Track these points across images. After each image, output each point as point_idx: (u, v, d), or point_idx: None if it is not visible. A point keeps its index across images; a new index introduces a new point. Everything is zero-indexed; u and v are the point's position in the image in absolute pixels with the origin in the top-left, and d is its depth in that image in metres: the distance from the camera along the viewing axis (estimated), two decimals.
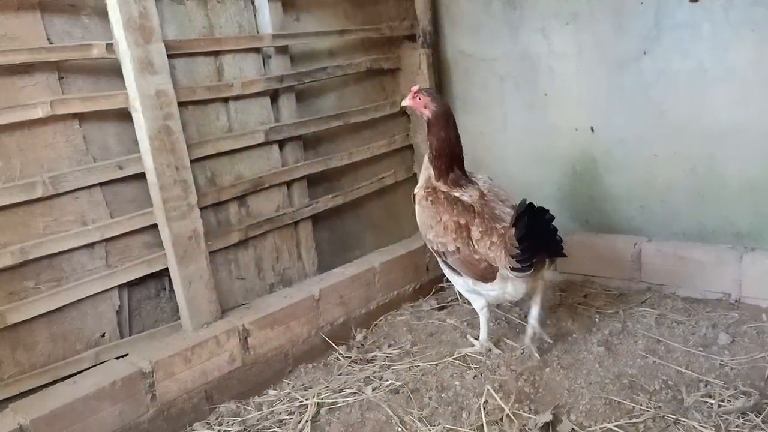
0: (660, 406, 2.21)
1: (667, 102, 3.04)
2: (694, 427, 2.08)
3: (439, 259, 2.69)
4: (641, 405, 2.23)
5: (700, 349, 2.56)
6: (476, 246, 2.46)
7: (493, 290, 2.51)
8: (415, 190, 2.75)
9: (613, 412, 2.21)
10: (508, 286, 2.48)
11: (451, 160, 2.63)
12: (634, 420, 2.15)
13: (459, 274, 2.58)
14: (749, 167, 2.88)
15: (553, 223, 2.32)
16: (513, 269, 2.35)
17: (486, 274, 2.46)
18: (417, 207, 2.70)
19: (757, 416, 2.10)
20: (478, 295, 2.65)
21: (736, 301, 2.86)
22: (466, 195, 2.59)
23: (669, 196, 3.15)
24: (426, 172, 2.71)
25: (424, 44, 3.54)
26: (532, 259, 2.31)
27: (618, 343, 2.67)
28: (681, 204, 3.12)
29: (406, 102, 2.70)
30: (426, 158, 2.71)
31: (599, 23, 3.15)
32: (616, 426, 2.13)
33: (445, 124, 2.62)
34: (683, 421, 2.12)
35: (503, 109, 3.62)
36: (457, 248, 2.50)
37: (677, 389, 2.31)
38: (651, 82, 3.06)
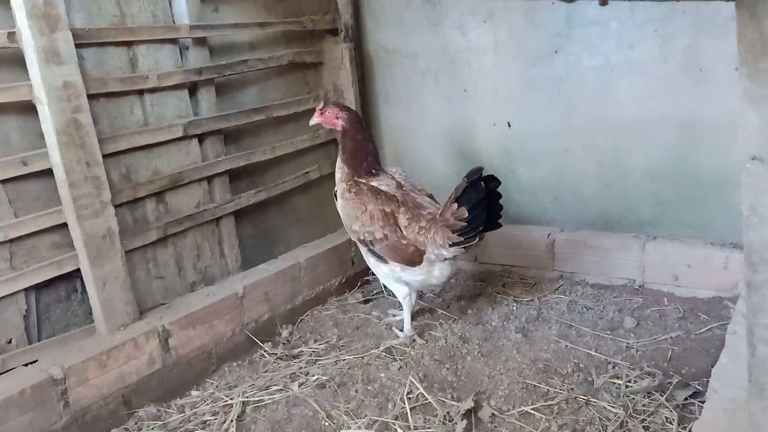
0: (572, 388, 2.34)
1: (577, 97, 3.20)
2: (605, 407, 2.22)
3: (364, 250, 2.76)
4: (555, 388, 2.35)
5: (608, 332, 2.73)
6: (404, 232, 2.60)
7: (419, 275, 2.65)
8: (336, 187, 2.81)
9: (530, 396, 2.32)
10: (435, 270, 2.64)
11: (367, 156, 2.78)
12: (549, 402, 2.27)
13: (385, 261, 2.67)
14: (651, 158, 3.08)
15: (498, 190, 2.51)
16: (454, 245, 2.49)
17: (413, 258, 2.60)
18: (340, 201, 2.77)
19: (661, 395, 2.25)
20: (402, 284, 2.74)
21: (640, 286, 3.07)
22: (384, 185, 2.72)
23: (579, 187, 3.33)
24: (341, 170, 2.80)
25: (346, 38, 3.54)
26: (478, 228, 2.47)
27: (534, 330, 2.80)
28: (589, 195, 3.31)
29: (315, 120, 2.81)
30: (339, 159, 2.81)
31: (514, 20, 3.26)
32: (532, 409, 2.24)
33: (360, 127, 2.79)
34: (594, 401, 2.25)
35: (424, 103, 3.68)
36: (385, 235, 2.61)
37: (588, 371, 2.45)
38: (562, 78, 3.22)
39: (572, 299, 3.04)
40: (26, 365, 2.27)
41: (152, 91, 2.68)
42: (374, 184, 2.72)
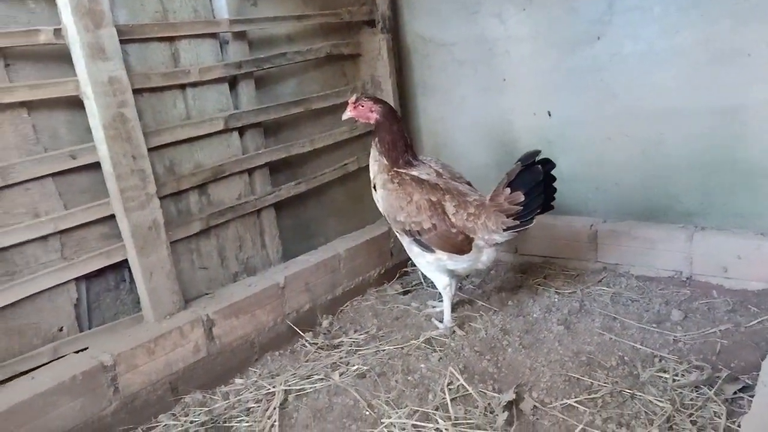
0: (617, 382, 2.29)
1: (619, 84, 3.12)
2: (651, 401, 2.17)
3: (407, 240, 2.73)
4: (599, 381, 2.31)
5: (654, 325, 2.66)
6: (453, 220, 2.57)
7: (466, 262, 2.65)
8: (374, 179, 2.78)
9: (573, 389, 2.29)
10: (483, 256, 2.65)
11: (404, 146, 2.75)
12: (592, 395, 2.23)
13: (432, 251, 2.65)
14: (696, 146, 2.98)
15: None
16: (508, 229, 2.50)
17: (463, 245, 2.60)
18: (381, 192, 2.73)
19: (710, 389, 2.19)
20: (444, 274, 2.73)
21: (687, 278, 2.98)
22: (424, 174, 2.70)
23: (622, 177, 3.25)
24: (377, 163, 2.77)
25: (383, 29, 3.53)
26: (535, 212, 2.48)
27: (576, 322, 2.76)
28: (633, 184, 3.22)
29: (348, 114, 2.77)
30: (374, 152, 2.77)
31: (554, 7, 3.20)
32: (575, 402, 2.20)
33: (394, 118, 2.75)
34: (640, 395, 2.21)
35: (461, 93, 3.65)
36: (434, 225, 2.59)
37: (633, 365, 2.40)
38: (604, 65, 3.14)
39: (616, 291, 2.98)
40: (77, 352, 2.35)
41: (194, 85, 2.73)
42: (415, 173, 2.70)
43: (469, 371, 2.44)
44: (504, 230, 2.52)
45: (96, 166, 2.39)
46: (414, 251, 2.75)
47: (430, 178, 2.69)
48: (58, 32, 2.23)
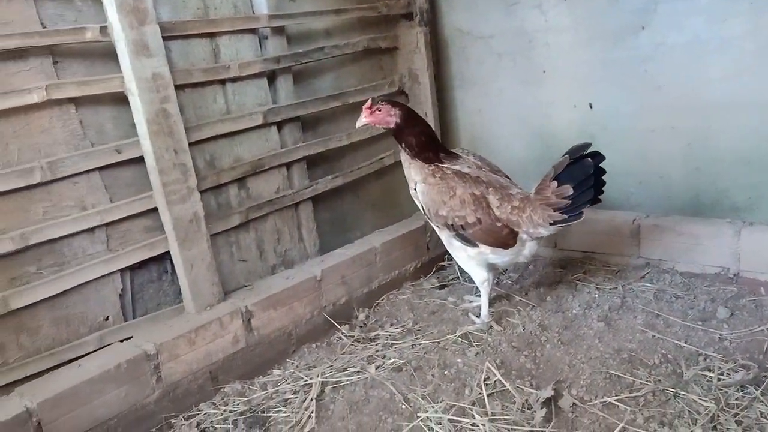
0: (660, 380, 2.24)
1: (664, 76, 3.03)
2: (694, 401, 2.11)
3: (447, 234, 2.70)
4: (641, 379, 2.25)
5: (699, 323, 2.59)
6: (497, 213, 2.54)
7: (508, 255, 2.63)
8: (413, 178, 2.70)
9: (614, 387, 2.24)
10: (525, 249, 2.63)
11: (434, 145, 2.71)
12: (634, 394, 2.18)
13: (475, 245, 2.62)
14: (744, 140, 2.87)
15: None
16: (555, 223, 2.46)
17: (507, 239, 2.57)
18: (422, 186, 2.66)
19: (756, 389, 2.12)
20: (483, 268, 2.71)
21: (734, 275, 2.88)
22: (465, 167, 2.67)
23: (666, 170, 3.15)
24: (412, 165, 2.68)
25: (421, 22, 3.51)
26: (584, 206, 2.42)
27: (618, 319, 2.70)
28: (678, 178, 3.13)
29: (364, 121, 2.63)
30: (404, 156, 2.70)
31: None
32: (616, 400, 2.16)
33: (416, 118, 2.68)
34: (683, 394, 2.15)
35: (499, 86, 3.60)
36: (478, 219, 2.56)
37: (677, 363, 2.34)
38: (647, 56, 3.05)
39: (660, 288, 2.90)
40: (122, 341, 2.42)
41: (233, 80, 2.77)
42: (456, 167, 2.65)
43: (507, 367, 2.42)
44: (550, 224, 2.48)
45: (140, 160, 2.45)
46: (455, 245, 2.72)
47: (471, 171, 2.65)
48: (104, 30, 2.29)
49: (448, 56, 3.76)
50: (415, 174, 2.68)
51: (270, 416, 2.31)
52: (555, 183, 2.43)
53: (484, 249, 2.62)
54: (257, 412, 2.33)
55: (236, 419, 2.28)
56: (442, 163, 2.67)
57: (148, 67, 2.35)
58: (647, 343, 2.48)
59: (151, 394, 2.31)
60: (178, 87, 2.48)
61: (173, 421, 2.34)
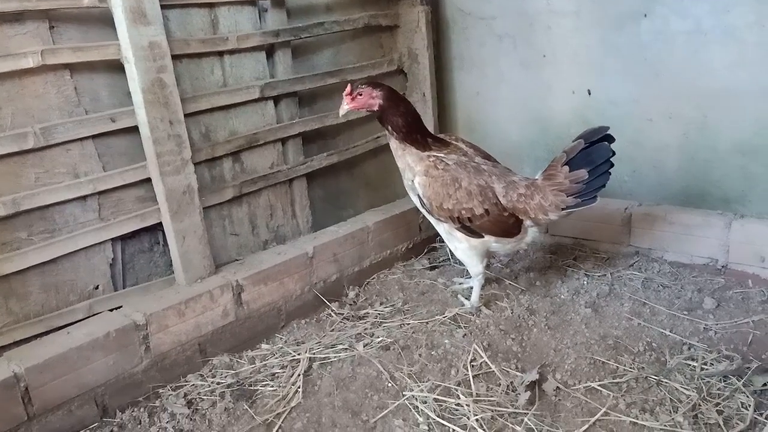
0: (643, 367, 2.27)
1: (664, 64, 3.02)
2: (676, 389, 2.14)
3: (448, 227, 2.62)
4: (625, 366, 2.29)
5: (685, 312, 2.62)
6: (503, 202, 2.52)
7: (511, 243, 2.62)
8: (410, 168, 2.58)
9: (597, 372, 2.27)
10: (528, 236, 2.62)
11: (420, 126, 2.60)
12: (617, 380, 2.21)
13: (480, 236, 2.58)
14: (741, 131, 2.88)
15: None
16: (567, 208, 2.47)
17: (513, 228, 2.56)
18: (423, 179, 2.53)
19: (738, 380, 2.15)
20: (482, 258, 2.68)
21: (722, 266, 2.91)
22: (462, 156, 2.62)
23: (661, 160, 3.16)
24: (405, 152, 2.57)
25: (422, 1, 3.47)
26: (599, 189, 2.43)
27: (605, 305, 2.73)
28: (672, 168, 3.14)
29: (346, 108, 2.51)
30: (394, 142, 2.58)
31: None
32: (599, 385, 2.19)
33: (399, 98, 2.58)
34: (666, 382, 2.18)
35: (499, 68, 3.58)
36: (486, 210, 2.51)
37: (661, 351, 2.37)
38: (648, 43, 3.04)
39: (648, 276, 2.93)
40: (111, 310, 2.42)
41: (231, 52, 2.74)
42: (454, 156, 2.57)
43: (493, 349, 2.45)
44: (563, 209, 2.48)
45: (134, 129, 2.43)
46: (456, 236, 2.64)
47: (468, 159, 2.60)
48: None
49: (448, 37, 3.73)
50: (414, 164, 2.56)
51: (257, 390, 2.33)
52: (567, 168, 2.42)
53: (488, 239, 2.59)
54: (244, 385, 2.35)
55: (223, 391, 2.30)
56: (431, 148, 2.57)
57: (145, 35, 2.32)
58: (633, 331, 2.52)
59: (139, 363, 2.33)
60: (175, 57, 2.46)
61: (161, 391, 2.35)
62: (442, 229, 2.69)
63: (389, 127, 2.55)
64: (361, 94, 2.49)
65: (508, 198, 2.52)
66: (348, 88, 2.50)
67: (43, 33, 2.22)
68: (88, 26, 2.33)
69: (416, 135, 2.57)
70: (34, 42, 2.20)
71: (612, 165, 2.43)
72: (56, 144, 2.28)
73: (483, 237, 2.58)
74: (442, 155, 2.57)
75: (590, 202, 2.46)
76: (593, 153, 2.40)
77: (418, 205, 2.66)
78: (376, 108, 2.52)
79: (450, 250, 3.01)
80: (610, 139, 2.42)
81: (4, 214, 2.17)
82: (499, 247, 2.65)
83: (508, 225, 2.55)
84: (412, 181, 2.58)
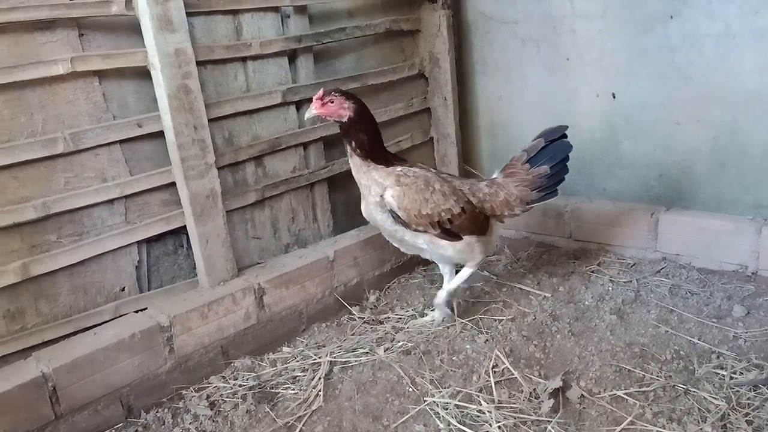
0: (671, 376, 2.22)
1: (692, 67, 2.97)
2: (705, 398, 2.09)
3: (428, 236, 2.53)
4: (652, 374, 2.24)
5: (714, 320, 2.56)
6: (474, 201, 2.58)
7: (486, 242, 2.63)
8: (377, 185, 2.49)
9: (623, 380, 2.23)
10: (494, 234, 2.70)
11: (382, 146, 2.56)
12: (644, 388, 2.17)
13: (460, 238, 2.56)
14: None
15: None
16: (531, 202, 2.63)
17: (484, 225, 2.61)
18: (396, 190, 2.45)
19: None
20: (479, 253, 2.63)
21: (753, 273, 2.84)
22: (422, 170, 2.56)
23: (689, 164, 3.10)
24: (370, 173, 2.48)
25: (444, 5, 3.47)
26: (559, 183, 2.64)
27: (631, 312, 2.68)
28: (701, 173, 3.07)
29: (313, 112, 2.41)
30: (356, 159, 2.49)
31: None
32: (625, 393, 2.15)
33: (369, 115, 2.49)
34: (694, 391, 2.13)
35: (522, 72, 3.56)
36: (462, 209, 2.53)
37: (689, 360, 2.32)
38: (676, 46, 2.99)
39: (675, 283, 2.86)
40: (137, 312, 2.46)
41: (254, 58, 2.77)
42: (417, 168, 2.53)
43: (516, 355, 2.42)
44: (527, 203, 2.62)
45: (160, 134, 2.47)
46: (440, 245, 2.55)
47: (430, 170, 2.58)
48: (129, 4, 2.31)
49: (470, 41, 3.72)
50: (382, 179, 2.47)
51: (278, 392, 2.35)
52: (528, 165, 2.61)
53: (469, 239, 2.57)
54: (266, 388, 2.36)
55: (245, 394, 2.32)
56: (394, 164, 2.52)
57: (171, 42, 2.36)
58: (660, 338, 2.46)
59: (164, 364, 2.36)
60: (199, 63, 2.49)
61: (184, 392, 2.38)
62: (422, 241, 2.57)
63: (354, 143, 2.46)
64: (332, 102, 2.40)
65: (477, 197, 2.58)
66: (320, 92, 2.42)
67: (72, 41, 2.27)
68: (116, 34, 2.38)
69: (379, 152, 2.53)
70: (64, 49, 2.25)
71: (569, 160, 2.64)
72: (85, 149, 2.33)
73: (462, 239, 2.57)
74: (407, 167, 2.54)
75: (552, 196, 2.65)
76: (554, 150, 2.60)
77: (388, 224, 2.54)
78: (345, 119, 2.42)
79: (438, 263, 2.82)
80: (566, 135, 2.64)
81: (35, 217, 2.22)
82: (481, 247, 2.61)
83: (480, 222, 2.58)
84: (381, 196, 2.48)
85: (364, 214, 2.68)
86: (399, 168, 2.52)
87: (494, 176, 2.69)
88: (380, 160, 2.50)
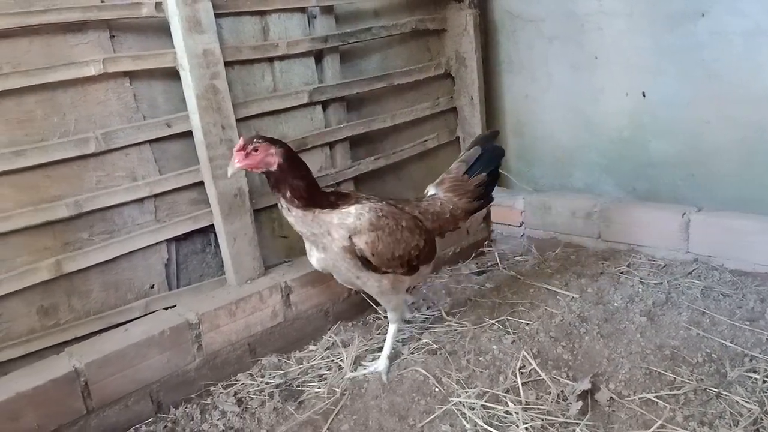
0: (702, 379, 2.18)
1: (721, 65, 2.91)
2: (737, 402, 2.05)
3: (391, 278, 2.31)
4: (683, 377, 2.20)
5: (747, 323, 2.50)
6: (429, 226, 2.40)
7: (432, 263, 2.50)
8: (338, 231, 2.19)
9: (653, 383, 2.19)
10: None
11: (318, 187, 2.24)
12: (674, 391, 2.13)
13: (417, 269, 2.38)
14: None
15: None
16: (474, 211, 2.55)
17: (434, 245, 2.45)
18: (369, 236, 2.18)
19: None
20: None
21: None
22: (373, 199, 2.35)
23: (719, 164, 3.04)
24: (318, 219, 2.18)
25: (470, 4, 3.45)
26: (492, 188, 2.61)
27: (661, 314, 2.63)
28: (731, 172, 3.01)
29: (237, 166, 2.09)
30: (301, 213, 2.16)
31: None
32: (655, 396, 2.12)
33: (299, 158, 2.20)
34: (725, 395, 2.09)
35: (549, 71, 3.53)
36: (425, 240, 2.35)
37: (721, 363, 2.27)
38: (704, 44, 2.93)
39: (707, 285, 2.81)
40: (166, 309, 2.50)
41: (281, 58, 2.79)
42: (374, 201, 2.29)
43: (543, 356, 2.40)
44: (470, 214, 2.55)
45: (188, 134, 2.50)
46: (405, 280, 2.36)
47: (379, 199, 2.35)
48: (158, 6, 2.34)
49: (496, 40, 3.69)
50: (341, 219, 2.18)
51: (304, 390, 2.36)
52: (467, 176, 2.53)
53: (423, 269, 2.42)
54: (292, 386, 2.38)
55: (272, 391, 2.33)
56: (338, 204, 2.22)
57: (200, 43, 2.38)
58: (691, 341, 2.42)
59: (192, 361, 2.39)
60: (227, 63, 2.52)
61: (212, 389, 2.41)
62: (387, 283, 2.31)
63: (288, 193, 2.13)
64: (256, 150, 2.09)
65: (429, 219, 2.40)
66: (240, 143, 2.10)
67: (104, 42, 2.31)
68: (146, 35, 2.42)
69: (319, 196, 2.20)
70: (96, 51, 2.29)
71: (501, 165, 2.65)
72: (116, 148, 2.37)
73: (419, 269, 2.39)
74: (370, 204, 2.26)
75: (490, 202, 2.64)
76: (489, 157, 2.57)
77: (353, 270, 2.25)
78: (274, 167, 2.11)
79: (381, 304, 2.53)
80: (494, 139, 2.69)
81: (68, 215, 2.27)
82: (427, 271, 2.51)
83: (434, 246, 2.43)
84: (343, 247, 2.18)
85: (316, 266, 2.36)
86: (351, 207, 2.21)
87: (432, 192, 2.52)
88: (324, 204, 2.19)
